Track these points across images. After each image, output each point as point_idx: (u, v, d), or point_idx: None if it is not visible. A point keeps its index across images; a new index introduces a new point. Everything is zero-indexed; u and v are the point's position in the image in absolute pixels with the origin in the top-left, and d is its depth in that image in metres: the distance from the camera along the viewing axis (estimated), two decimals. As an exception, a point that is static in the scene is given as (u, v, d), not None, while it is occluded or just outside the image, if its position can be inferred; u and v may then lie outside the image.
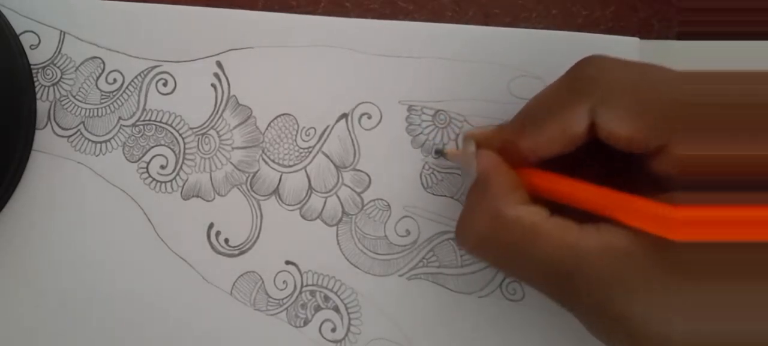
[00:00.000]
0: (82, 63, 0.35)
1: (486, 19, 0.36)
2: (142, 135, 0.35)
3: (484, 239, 0.27)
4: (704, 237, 0.23)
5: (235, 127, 0.35)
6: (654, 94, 0.25)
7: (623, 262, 0.24)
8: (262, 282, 0.34)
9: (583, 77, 0.27)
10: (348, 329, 0.34)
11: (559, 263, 0.25)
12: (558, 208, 0.27)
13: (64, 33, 0.35)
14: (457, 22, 0.36)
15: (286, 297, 0.34)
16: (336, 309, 0.34)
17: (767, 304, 0.23)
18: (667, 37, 0.36)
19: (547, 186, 0.28)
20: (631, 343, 0.25)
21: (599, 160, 0.28)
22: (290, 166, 0.35)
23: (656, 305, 0.24)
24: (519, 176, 0.28)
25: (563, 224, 0.26)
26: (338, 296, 0.34)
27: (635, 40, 0.35)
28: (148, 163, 0.35)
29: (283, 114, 0.35)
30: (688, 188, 0.24)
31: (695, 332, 0.23)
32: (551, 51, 0.35)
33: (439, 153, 0.34)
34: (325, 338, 0.34)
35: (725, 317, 0.23)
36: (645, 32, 0.36)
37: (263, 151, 0.35)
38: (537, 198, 0.28)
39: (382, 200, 0.34)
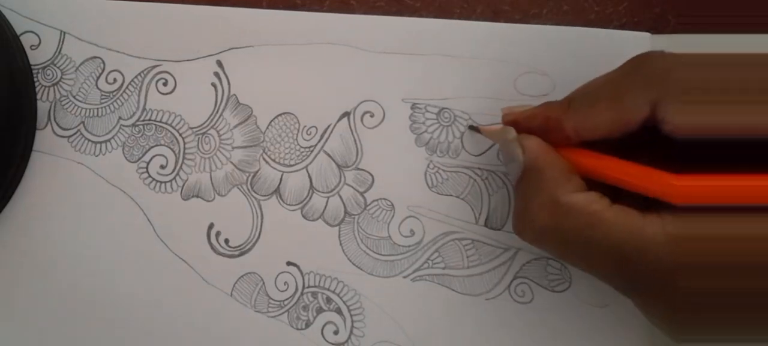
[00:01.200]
0: (82, 63, 0.35)
1: (495, 16, 0.36)
2: (142, 135, 0.35)
3: (545, 230, 0.28)
4: (701, 201, 0.25)
5: (235, 127, 0.35)
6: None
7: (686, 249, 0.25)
8: (263, 283, 0.34)
9: (648, 71, 0.27)
10: (351, 332, 0.33)
11: (621, 249, 0.26)
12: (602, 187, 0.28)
13: (64, 33, 0.35)
14: (465, 20, 0.35)
15: (288, 299, 0.33)
16: (338, 311, 0.33)
17: None
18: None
19: (594, 165, 0.28)
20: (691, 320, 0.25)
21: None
22: (291, 165, 0.34)
23: None
24: (565, 155, 0.29)
25: (625, 211, 0.26)
26: (341, 298, 0.33)
27: (646, 35, 0.34)
28: (148, 163, 0.34)
29: (283, 113, 0.35)
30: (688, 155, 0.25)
31: None
32: (558, 47, 0.35)
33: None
34: (327, 340, 0.33)
35: None
36: (660, 29, 0.35)
37: (264, 151, 0.34)
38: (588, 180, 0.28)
39: (385, 199, 0.34)
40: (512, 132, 0.30)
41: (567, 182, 0.27)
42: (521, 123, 0.30)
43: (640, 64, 0.28)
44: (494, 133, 0.32)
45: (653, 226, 0.25)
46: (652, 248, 0.25)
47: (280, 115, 0.35)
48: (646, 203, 0.26)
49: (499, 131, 0.31)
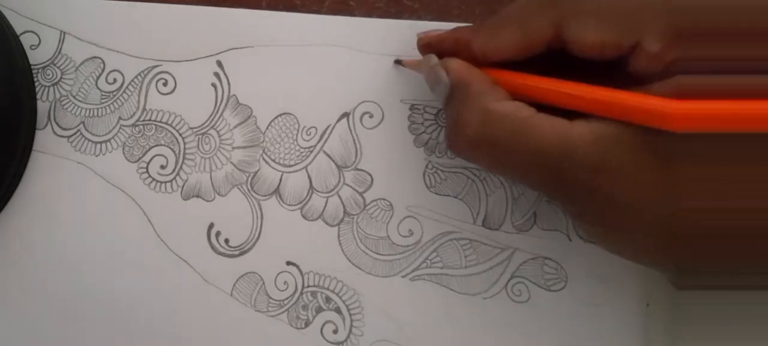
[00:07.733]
0: (82, 63, 0.35)
1: (493, 17, 0.36)
2: (142, 135, 0.35)
3: (476, 139, 0.28)
4: (705, 128, 0.23)
5: (235, 127, 0.35)
6: None
7: (613, 147, 0.25)
8: (263, 283, 0.34)
9: None
10: (350, 331, 0.33)
11: (550, 152, 0.26)
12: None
13: (64, 33, 0.35)
14: (464, 21, 0.36)
15: (287, 298, 0.34)
16: (338, 311, 0.33)
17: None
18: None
19: (528, 85, 0.28)
20: (621, 227, 0.26)
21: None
22: (291, 165, 0.34)
23: (647, 186, 0.24)
24: (494, 75, 0.29)
25: (552, 117, 0.26)
26: (340, 298, 0.34)
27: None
28: (148, 164, 0.34)
29: (283, 113, 0.35)
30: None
31: (687, 210, 0.24)
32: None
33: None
34: (326, 339, 0.33)
35: (722, 196, 0.24)
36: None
37: (264, 151, 0.34)
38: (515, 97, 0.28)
39: (384, 199, 0.34)
40: (434, 58, 0.30)
41: (494, 91, 0.28)
42: (434, 46, 0.31)
43: None
44: (417, 63, 0.33)
45: (580, 127, 0.25)
46: (579, 147, 0.25)
47: (279, 115, 0.35)
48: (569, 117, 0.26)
49: (423, 61, 0.31)
